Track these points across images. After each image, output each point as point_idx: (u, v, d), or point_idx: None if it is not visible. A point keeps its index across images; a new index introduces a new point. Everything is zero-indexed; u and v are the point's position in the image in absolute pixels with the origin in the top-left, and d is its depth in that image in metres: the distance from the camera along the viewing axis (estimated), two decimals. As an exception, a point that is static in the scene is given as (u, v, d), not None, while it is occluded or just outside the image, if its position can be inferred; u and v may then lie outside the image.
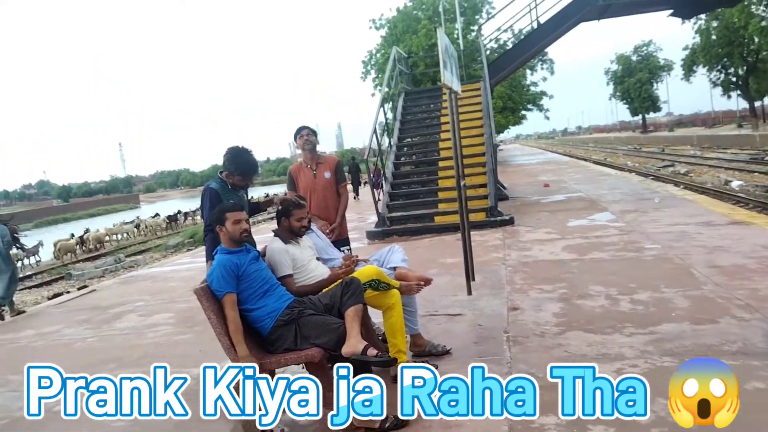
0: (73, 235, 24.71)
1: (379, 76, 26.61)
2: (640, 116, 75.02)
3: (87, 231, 25.85)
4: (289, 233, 3.87)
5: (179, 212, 31.63)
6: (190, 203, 42.13)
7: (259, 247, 3.83)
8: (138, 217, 29.55)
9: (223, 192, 3.82)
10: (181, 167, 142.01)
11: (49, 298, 8.94)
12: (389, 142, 12.12)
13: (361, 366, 3.06)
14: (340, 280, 3.59)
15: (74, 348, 5.83)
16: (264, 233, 4.08)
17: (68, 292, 9.63)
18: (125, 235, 26.45)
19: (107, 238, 25.31)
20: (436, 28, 6.59)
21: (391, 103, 13.46)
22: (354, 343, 3.06)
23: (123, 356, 5.28)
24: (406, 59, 15.67)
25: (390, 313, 3.71)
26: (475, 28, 22.90)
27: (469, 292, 5.71)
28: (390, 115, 12.87)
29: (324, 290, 3.68)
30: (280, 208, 3.91)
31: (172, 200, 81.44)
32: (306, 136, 4.83)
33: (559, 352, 3.99)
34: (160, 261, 13.60)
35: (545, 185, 15.97)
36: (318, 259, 4.05)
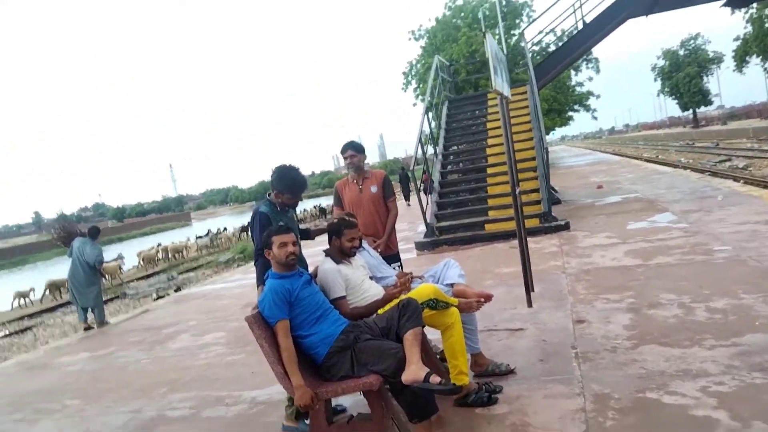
0: (159, 244, 27.76)
1: (420, 86, 26.40)
2: (690, 111, 72.53)
3: (159, 244, 27.89)
4: (340, 253, 3.71)
5: (225, 228, 32.65)
6: (241, 219, 42.77)
7: (311, 269, 3.68)
8: (210, 230, 30.37)
9: (273, 214, 3.68)
10: (229, 184, 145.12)
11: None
12: (435, 151, 11.89)
13: (423, 394, 2.85)
14: (396, 301, 3.39)
15: (128, 371, 5.80)
16: (316, 256, 3.87)
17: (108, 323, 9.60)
18: (200, 246, 27.74)
19: (185, 249, 26.84)
20: (484, 33, 6.36)
21: (434, 111, 13.20)
22: (415, 370, 2.84)
23: (176, 379, 5.20)
24: (448, 67, 15.43)
25: (449, 333, 3.48)
26: (516, 32, 22.51)
27: (530, 304, 5.40)
28: (434, 124, 12.64)
29: (379, 312, 3.49)
30: (331, 227, 3.75)
31: (221, 216, 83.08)
32: (350, 158, 4.69)
33: (634, 369, 3.68)
34: (212, 278, 13.68)
35: (598, 186, 15.41)
36: (371, 278, 3.87)
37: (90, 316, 8.90)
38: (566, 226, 9.51)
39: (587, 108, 33.83)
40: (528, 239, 9.60)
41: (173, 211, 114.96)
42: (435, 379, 2.80)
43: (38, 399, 5.30)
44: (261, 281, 3.45)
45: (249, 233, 3.93)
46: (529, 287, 5.50)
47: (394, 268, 4.47)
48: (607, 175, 19.67)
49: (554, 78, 15.33)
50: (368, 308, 3.52)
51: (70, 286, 8.97)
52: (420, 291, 3.44)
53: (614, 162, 28.92)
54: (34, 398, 5.36)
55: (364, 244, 4.17)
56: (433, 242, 9.94)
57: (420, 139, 10.36)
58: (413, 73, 27.68)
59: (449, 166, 11.87)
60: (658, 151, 44.67)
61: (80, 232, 9.47)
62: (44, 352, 7.62)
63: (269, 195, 3.78)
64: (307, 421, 3.54)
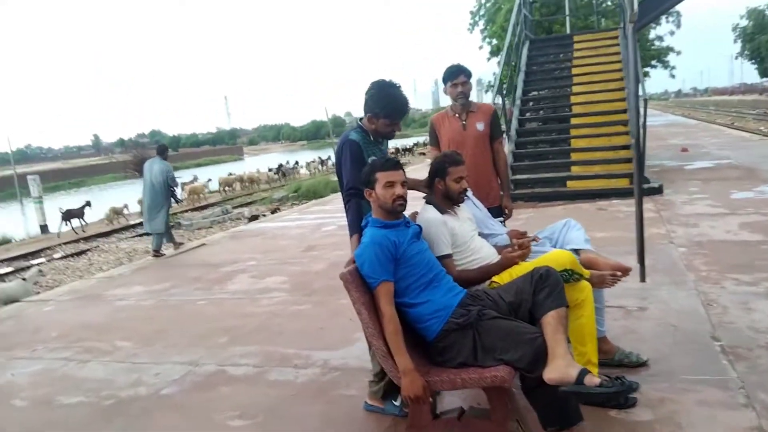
0: (230, 173, 27.99)
1: (489, 27, 24.90)
2: (769, 78, 67.63)
3: (230, 174, 27.62)
4: (445, 200, 3.01)
5: (297, 163, 32.34)
6: (292, 156, 42.37)
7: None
8: (281, 164, 30.01)
9: (365, 144, 2.98)
10: (282, 122, 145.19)
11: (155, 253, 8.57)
12: (512, 96, 10.91)
13: (567, 397, 2.18)
14: (519, 269, 2.71)
15: (184, 312, 5.35)
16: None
17: (181, 243, 9.42)
18: (270, 179, 27.51)
19: (257, 177, 26.50)
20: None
21: (513, 52, 12.03)
22: (563, 368, 2.17)
23: (236, 326, 4.70)
24: (531, 3, 14.14)
25: (579, 312, 2.77)
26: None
27: (643, 279, 4.64)
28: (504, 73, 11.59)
29: (494, 280, 2.81)
30: (434, 166, 3.04)
31: (273, 153, 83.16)
32: (461, 86, 3.85)
33: (807, 376, 2.92)
34: (268, 216, 13.25)
35: (683, 149, 14.17)
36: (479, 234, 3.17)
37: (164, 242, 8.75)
38: (659, 190, 8.58)
39: (665, 65, 31.59)
40: (616, 201, 8.75)
41: (226, 143, 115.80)
42: (593, 380, 2.13)
43: (88, 335, 4.90)
44: (356, 229, 2.79)
45: (335, 166, 3.19)
46: (642, 257, 4.73)
47: (502, 223, 3.76)
48: (688, 138, 18.24)
49: (661, 15, 13.85)
50: (481, 273, 2.84)
51: (144, 211, 8.79)
52: (552, 257, 2.73)
53: (690, 125, 27.07)
54: (84, 333, 4.96)
55: (469, 192, 3.45)
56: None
57: (500, 79, 9.44)
58: (481, 13, 26.12)
59: (528, 114, 10.89)
60: (732, 118, 41.80)
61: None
62: (97, 281, 7.30)
63: (361, 120, 3.07)
64: (397, 402, 2.95)
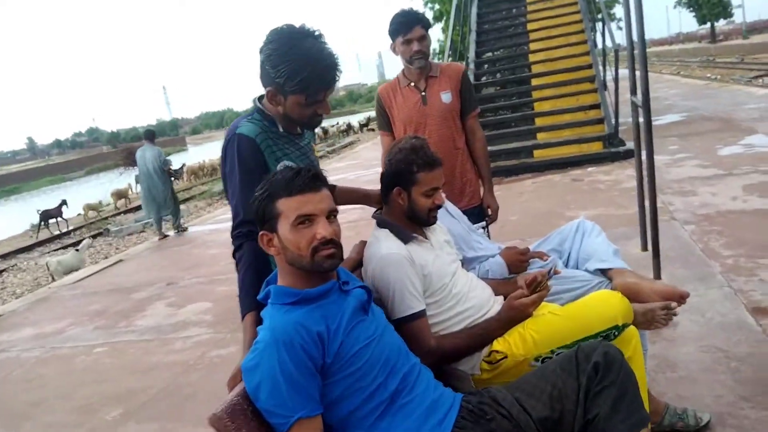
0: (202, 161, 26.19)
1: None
2: (707, 25, 68.35)
3: (183, 165, 25.52)
4: (410, 221, 1.86)
5: None
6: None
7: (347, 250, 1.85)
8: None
9: (268, 141, 1.74)
10: (225, 107, 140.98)
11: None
12: (465, 60, 9.81)
13: None
14: (540, 326, 1.62)
15: (75, 367, 4.11)
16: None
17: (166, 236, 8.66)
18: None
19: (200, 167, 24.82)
20: None
21: (458, 13, 10.88)
22: None
23: (135, 391, 3.50)
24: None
25: None
26: None
27: (657, 275, 3.65)
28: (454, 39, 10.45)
29: (497, 343, 1.71)
30: (393, 168, 1.86)
31: (218, 141, 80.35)
32: (417, 42, 2.66)
33: None
34: (202, 217, 11.84)
35: (645, 104, 13.37)
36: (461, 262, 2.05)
37: (165, 226, 8.82)
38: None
39: (612, 17, 31.06)
40: (591, 168, 7.79)
41: (168, 135, 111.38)
42: None
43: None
44: (251, 302, 1.55)
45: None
46: (657, 248, 3.71)
47: (485, 233, 2.67)
48: (644, 90, 17.51)
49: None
50: (473, 338, 1.73)
51: (143, 199, 8.91)
52: (595, 307, 1.65)
53: (641, 77, 26.52)
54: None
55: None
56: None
57: (452, 43, 8.31)
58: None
59: (484, 78, 9.78)
60: (677, 68, 41.86)
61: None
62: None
63: (260, 101, 1.82)
64: None
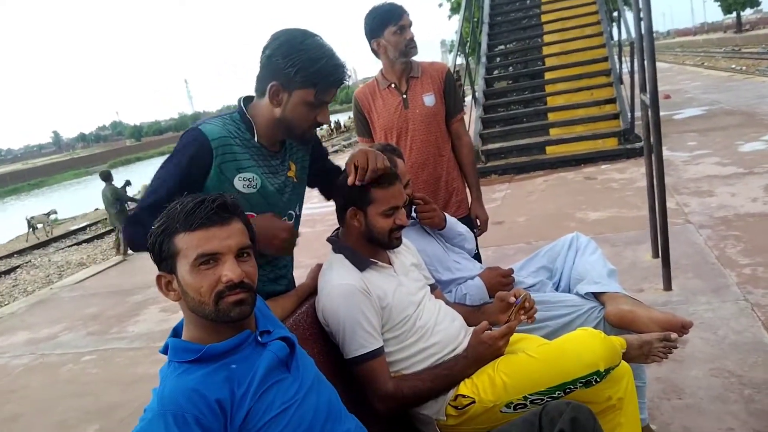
0: None
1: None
2: (732, 14, 66.60)
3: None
4: (369, 245, 1.65)
5: None
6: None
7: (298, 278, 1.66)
8: None
9: (225, 148, 1.52)
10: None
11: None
12: (477, 53, 9.53)
13: None
14: (512, 366, 1.42)
15: (59, 378, 4.02)
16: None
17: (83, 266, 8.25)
18: None
19: None
20: None
21: (469, 5, 10.55)
22: None
23: (114, 406, 3.39)
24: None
25: (614, 419, 1.54)
26: None
27: (668, 286, 3.41)
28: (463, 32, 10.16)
29: (464, 385, 1.51)
30: (346, 188, 1.62)
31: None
32: (400, 31, 2.41)
33: None
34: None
35: (665, 96, 12.94)
36: (432, 287, 1.84)
37: None
38: (654, 148, 7.33)
39: (630, 6, 30.39)
40: (605, 166, 7.48)
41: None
42: None
43: None
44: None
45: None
46: (667, 258, 3.46)
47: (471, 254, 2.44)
48: (666, 83, 17.01)
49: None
50: (437, 380, 1.52)
51: None
52: (573, 350, 1.43)
53: (663, 69, 25.89)
54: None
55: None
56: (479, 171, 7.84)
57: (461, 36, 8.05)
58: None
59: (496, 71, 9.49)
60: (701, 59, 40.83)
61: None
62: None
63: (246, 103, 1.61)
64: None
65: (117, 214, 9.34)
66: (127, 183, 17.87)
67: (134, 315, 5.01)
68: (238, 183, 1.53)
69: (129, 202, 9.53)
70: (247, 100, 1.62)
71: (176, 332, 1.22)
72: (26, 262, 12.70)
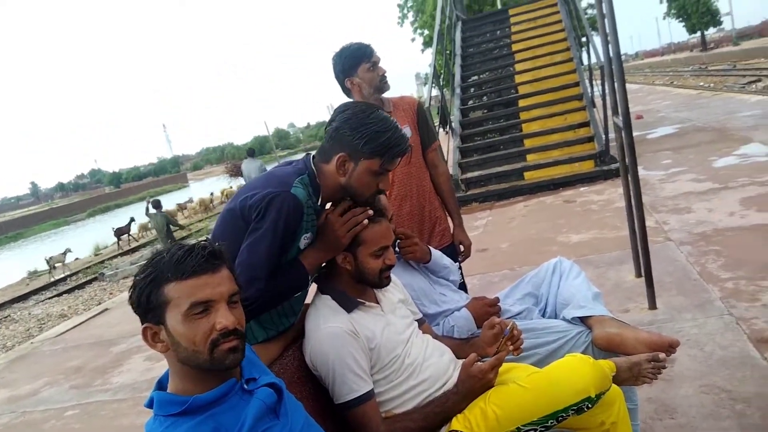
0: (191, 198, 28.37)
1: (419, 17, 24.00)
2: (697, 34, 68.71)
3: (190, 199, 28.03)
4: (356, 286, 1.65)
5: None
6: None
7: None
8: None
9: (307, 213, 1.61)
10: (225, 142, 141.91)
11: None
12: (450, 84, 9.69)
13: None
14: (503, 398, 1.40)
15: (43, 435, 3.88)
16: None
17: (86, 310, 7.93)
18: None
19: (212, 203, 25.76)
20: None
21: (445, 36, 10.78)
22: None
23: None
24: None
25: None
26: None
27: (652, 304, 3.43)
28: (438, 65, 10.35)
29: (456, 421, 1.49)
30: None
31: (218, 176, 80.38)
32: (372, 67, 2.45)
33: None
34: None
35: (637, 117, 13.22)
36: (418, 321, 1.83)
37: None
38: (630, 169, 7.45)
39: (597, 31, 31.22)
40: (584, 188, 7.59)
41: (169, 172, 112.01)
42: None
43: None
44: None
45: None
46: (650, 277, 3.49)
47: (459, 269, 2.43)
48: (637, 103, 17.42)
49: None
50: (428, 419, 1.50)
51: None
52: (564, 377, 1.43)
53: (633, 90, 26.49)
54: None
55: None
56: (459, 199, 7.89)
57: (434, 70, 8.18)
58: (409, 5, 25.11)
59: (471, 101, 9.65)
60: (670, 78, 41.89)
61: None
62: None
63: (314, 159, 1.69)
64: None
65: (166, 236, 12.04)
66: (132, 220, 19.70)
67: (118, 365, 4.90)
68: (303, 241, 1.62)
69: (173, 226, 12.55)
70: (314, 157, 1.69)
71: (161, 385, 1.19)
72: (5, 317, 12.41)
